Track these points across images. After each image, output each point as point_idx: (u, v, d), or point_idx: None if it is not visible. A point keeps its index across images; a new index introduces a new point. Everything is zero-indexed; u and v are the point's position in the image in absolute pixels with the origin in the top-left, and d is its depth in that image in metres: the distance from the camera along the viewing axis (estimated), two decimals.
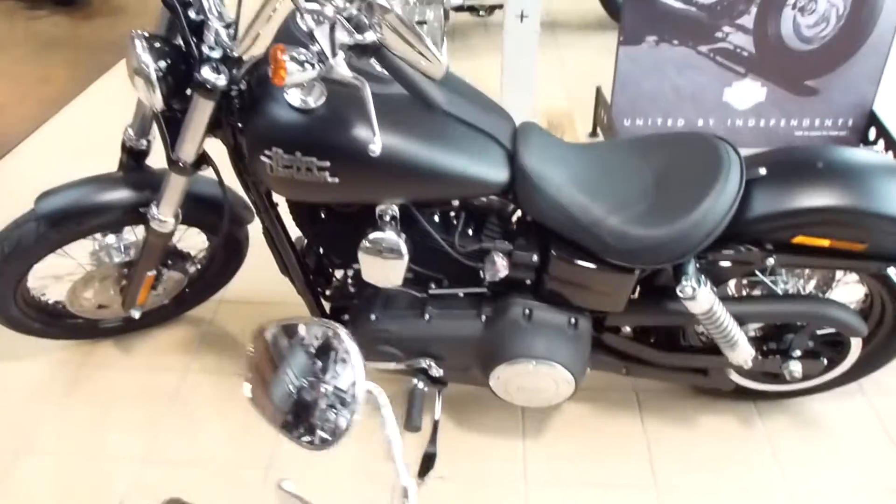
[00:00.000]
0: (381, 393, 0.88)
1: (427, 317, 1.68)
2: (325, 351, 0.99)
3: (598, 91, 3.14)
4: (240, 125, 1.48)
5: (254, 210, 1.71)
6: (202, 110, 1.46)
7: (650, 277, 1.63)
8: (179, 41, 1.47)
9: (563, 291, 1.63)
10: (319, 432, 0.91)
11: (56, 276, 1.99)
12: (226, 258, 2.12)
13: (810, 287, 1.79)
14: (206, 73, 1.39)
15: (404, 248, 1.52)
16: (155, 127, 1.67)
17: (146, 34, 1.44)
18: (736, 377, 1.85)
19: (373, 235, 1.51)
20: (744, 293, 1.81)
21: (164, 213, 1.72)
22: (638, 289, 1.65)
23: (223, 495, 1.79)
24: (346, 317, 1.80)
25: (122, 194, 1.80)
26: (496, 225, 1.63)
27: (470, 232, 1.63)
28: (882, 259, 1.55)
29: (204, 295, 2.24)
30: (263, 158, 1.42)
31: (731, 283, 1.77)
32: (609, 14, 4.25)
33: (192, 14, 1.43)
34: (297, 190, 1.48)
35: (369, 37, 1.24)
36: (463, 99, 1.54)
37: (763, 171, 1.53)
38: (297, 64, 1.25)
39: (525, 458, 1.87)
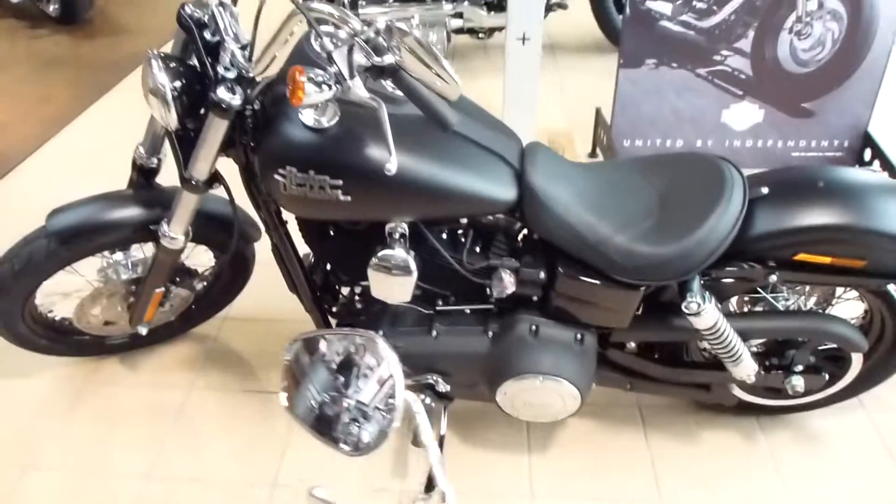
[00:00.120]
0: (416, 400, 0.90)
1: (434, 333, 1.69)
2: (346, 366, 1.01)
3: (598, 112, 3.18)
4: (252, 144, 1.50)
5: (261, 228, 1.73)
6: (217, 129, 1.48)
7: (655, 294, 1.65)
8: (194, 61, 1.50)
9: (570, 308, 1.65)
10: (342, 445, 0.93)
11: (64, 293, 2.00)
12: (232, 275, 2.13)
13: (811, 303, 1.82)
14: (222, 93, 1.41)
15: (413, 266, 1.54)
16: (166, 145, 1.69)
17: (162, 54, 1.46)
18: (738, 392, 1.87)
19: (382, 253, 1.53)
20: (745, 310, 1.84)
21: (175, 231, 1.74)
22: (643, 305, 1.66)
23: None
24: None
25: (132, 212, 1.81)
26: (503, 242, 1.65)
27: (477, 249, 1.65)
28: (882, 276, 1.58)
29: (209, 312, 2.25)
30: (277, 177, 1.44)
31: (733, 300, 1.80)
32: (607, 37, 4.31)
33: (207, 35, 1.46)
34: (310, 208, 1.50)
35: (387, 59, 1.26)
36: (472, 119, 1.57)
37: (765, 190, 1.56)
38: (315, 85, 1.27)
39: (531, 472, 1.89)
